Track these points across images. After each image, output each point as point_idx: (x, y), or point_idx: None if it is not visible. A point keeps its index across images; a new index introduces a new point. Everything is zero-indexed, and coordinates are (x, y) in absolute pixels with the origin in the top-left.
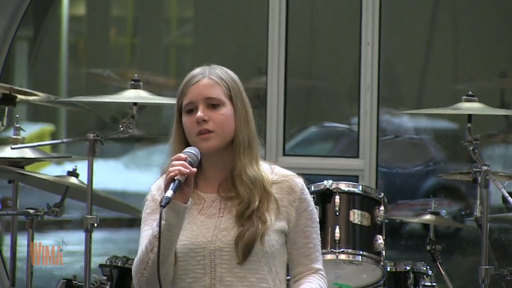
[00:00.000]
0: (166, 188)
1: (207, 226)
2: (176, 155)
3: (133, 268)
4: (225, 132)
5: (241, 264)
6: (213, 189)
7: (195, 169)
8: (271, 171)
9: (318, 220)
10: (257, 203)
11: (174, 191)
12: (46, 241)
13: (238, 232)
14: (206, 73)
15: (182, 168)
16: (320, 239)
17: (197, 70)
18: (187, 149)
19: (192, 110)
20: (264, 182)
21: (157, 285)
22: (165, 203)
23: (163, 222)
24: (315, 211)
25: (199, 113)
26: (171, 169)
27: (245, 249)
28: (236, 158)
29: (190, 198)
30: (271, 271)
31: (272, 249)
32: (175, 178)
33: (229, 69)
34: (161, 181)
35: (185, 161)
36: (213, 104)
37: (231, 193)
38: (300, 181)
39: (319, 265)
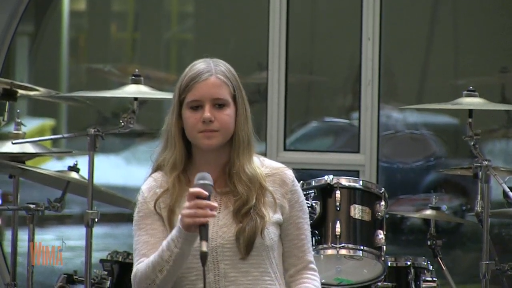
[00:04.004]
0: (200, 235)
1: None
2: (197, 191)
3: (136, 277)
4: (228, 132)
5: (244, 259)
6: None
7: (216, 205)
8: (260, 163)
9: (308, 211)
10: (254, 200)
11: (207, 239)
12: (47, 236)
13: (238, 228)
14: (212, 70)
15: (210, 213)
16: (310, 230)
17: (202, 65)
18: (203, 181)
19: (197, 107)
20: (261, 178)
21: None
22: (204, 260)
23: (176, 250)
24: (305, 203)
25: (207, 114)
26: (200, 213)
27: (247, 244)
28: (235, 156)
29: None
30: (272, 264)
31: (272, 242)
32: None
33: (229, 64)
34: (152, 182)
35: (208, 198)
36: (219, 104)
37: (226, 188)
38: (290, 173)
39: (310, 257)
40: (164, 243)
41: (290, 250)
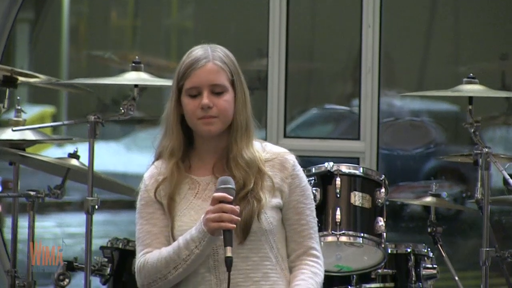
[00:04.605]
0: (224, 240)
1: (204, 210)
2: (221, 195)
3: (144, 269)
4: (227, 117)
5: (242, 244)
6: (208, 171)
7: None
8: (262, 149)
9: (312, 197)
10: (252, 184)
11: (231, 245)
12: (47, 223)
13: None
14: (209, 56)
15: (235, 218)
16: (315, 216)
17: (199, 52)
18: (225, 185)
19: (195, 94)
20: (259, 163)
21: None
22: (229, 265)
23: (197, 251)
24: (308, 188)
25: (206, 101)
26: (225, 217)
27: (243, 228)
28: (233, 141)
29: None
30: (272, 249)
31: (271, 226)
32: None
33: (227, 50)
34: (153, 169)
35: (231, 203)
36: (217, 91)
37: (225, 174)
38: (291, 158)
39: (312, 243)
40: (182, 241)
41: (290, 235)
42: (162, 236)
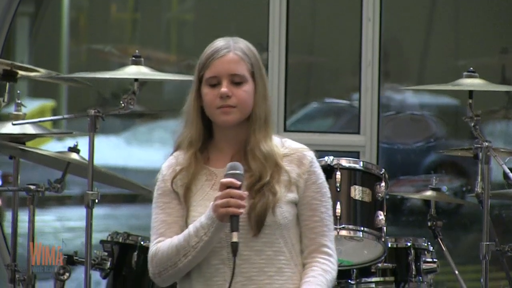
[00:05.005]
0: (231, 225)
1: None
2: (229, 181)
3: (156, 257)
4: (245, 108)
5: (257, 237)
6: (225, 163)
7: (246, 194)
8: (281, 144)
9: (329, 195)
10: (268, 177)
11: (237, 230)
12: (47, 217)
13: (250, 203)
14: (231, 47)
15: (242, 203)
16: (331, 215)
17: (221, 43)
18: (233, 171)
19: (215, 84)
20: (276, 156)
21: (174, 280)
22: (235, 250)
23: (205, 238)
24: (325, 186)
25: (224, 89)
26: (232, 202)
27: (257, 220)
28: (251, 133)
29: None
30: (287, 243)
31: (286, 221)
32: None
33: (250, 43)
34: (172, 160)
35: (239, 188)
36: (237, 82)
37: (243, 166)
38: (310, 154)
39: (324, 240)
40: (192, 228)
41: (303, 231)
42: (176, 225)
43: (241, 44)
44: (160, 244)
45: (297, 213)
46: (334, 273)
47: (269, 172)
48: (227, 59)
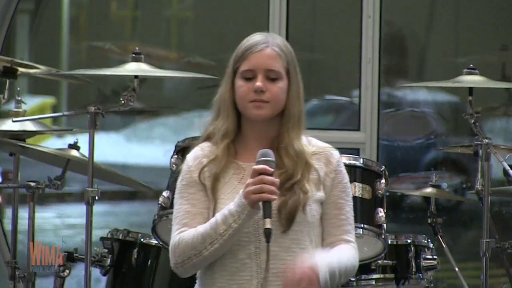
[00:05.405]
0: (264, 212)
1: None
2: (261, 167)
3: (180, 246)
4: (278, 104)
5: (286, 233)
6: (253, 157)
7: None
8: (307, 142)
9: (352, 196)
10: (299, 176)
11: (270, 216)
12: (47, 213)
13: (281, 200)
14: (269, 42)
15: (275, 190)
16: (353, 214)
17: (258, 37)
18: (265, 158)
19: (250, 78)
20: (307, 155)
21: (196, 270)
22: (268, 236)
23: (235, 225)
24: (349, 186)
25: (259, 83)
26: (266, 189)
27: (288, 217)
28: (284, 131)
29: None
30: (312, 242)
31: (314, 219)
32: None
33: (286, 41)
34: (198, 151)
35: (271, 174)
36: (272, 78)
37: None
38: (336, 153)
39: (350, 238)
40: (219, 216)
41: (328, 229)
42: (200, 217)
43: (279, 41)
44: (184, 233)
45: (322, 211)
46: (355, 263)
47: (300, 171)
48: (264, 54)
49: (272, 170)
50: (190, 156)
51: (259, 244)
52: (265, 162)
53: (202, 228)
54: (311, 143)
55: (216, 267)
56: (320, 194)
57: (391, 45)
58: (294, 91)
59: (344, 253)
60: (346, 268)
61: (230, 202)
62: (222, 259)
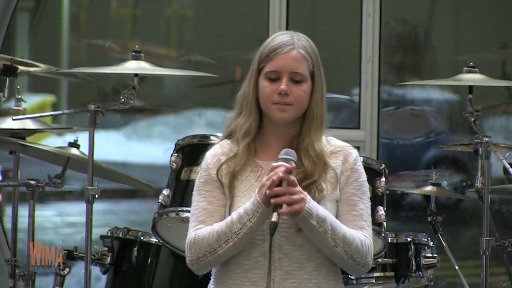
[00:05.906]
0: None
1: None
2: (285, 167)
3: (195, 243)
4: (301, 107)
5: (300, 232)
6: (272, 156)
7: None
8: (327, 142)
9: (369, 195)
10: (317, 176)
11: (277, 210)
12: (47, 212)
13: None
14: (295, 43)
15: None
16: (370, 213)
17: (285, 38)
18: (285, 156)
19: (274, 79)
20: (325, 155)
21: (211, 268)
22: (273, 229)
23: (249, 224)
24: (366, 185)
25: (284, 86)
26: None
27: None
28: (306, 132)
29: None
30: None
31: None
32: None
33: (311, 41)
34: (218, 149)
35: (291, 173)
36: (297, 80)
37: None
38: (355, 152)
39: (365, 232)
40: (235, 215)
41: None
42: (217, 214)
43: (304, 42)
44: (200, 230)
45: (337, 210)
46: (361, 248)
47: (318, 171)
48: (290, 56)
49: (292, 166)
50: (209, 154)
51: (273, 242)
52: (285, 161)
53: (217, 226)
54: (330, 142)
55: (231, 264)
56: (336, 193)
57: (403, 43)
58: (318, 93)
59: (349, 228)
60: (344, 234)
61: (246, 200)
62: (237, 256)
